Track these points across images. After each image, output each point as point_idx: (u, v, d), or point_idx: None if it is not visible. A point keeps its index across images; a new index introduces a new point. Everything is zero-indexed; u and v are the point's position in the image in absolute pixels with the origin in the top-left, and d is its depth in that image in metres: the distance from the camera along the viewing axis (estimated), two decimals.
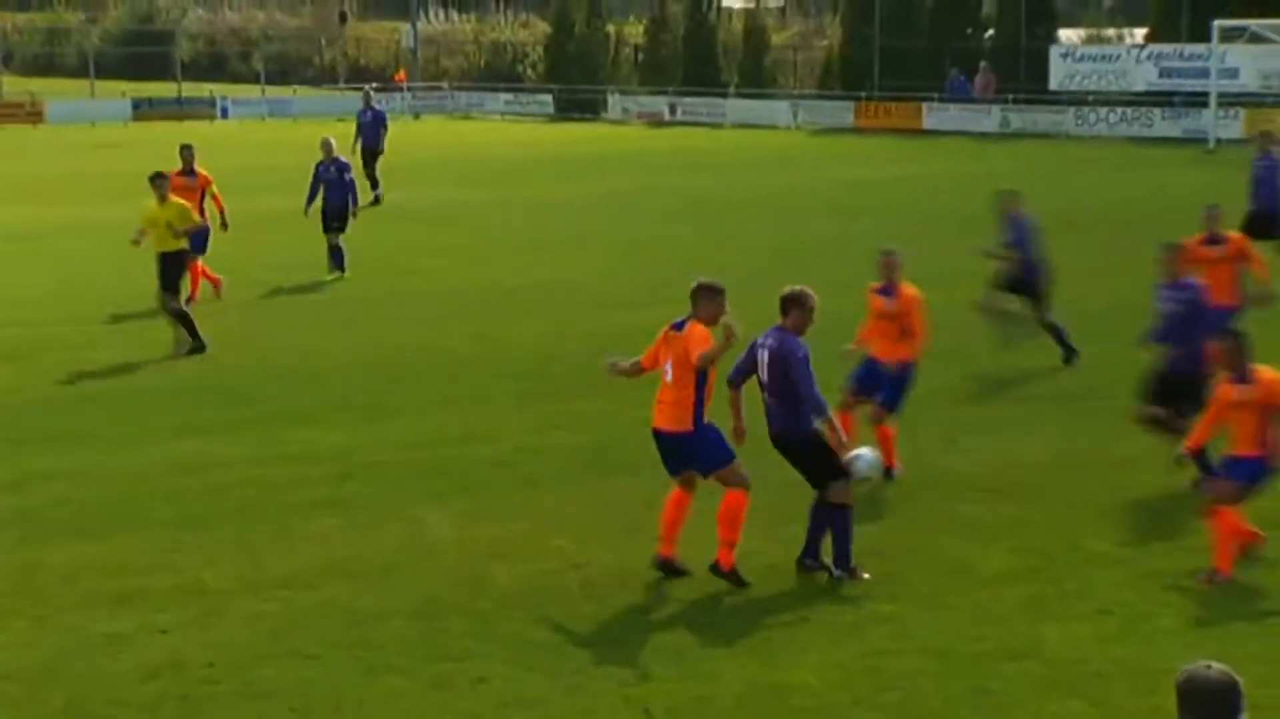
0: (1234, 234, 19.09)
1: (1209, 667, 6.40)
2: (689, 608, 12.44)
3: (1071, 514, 14.54)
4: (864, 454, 13.14)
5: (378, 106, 41.34)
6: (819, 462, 12.97)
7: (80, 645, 11.82)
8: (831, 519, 13.05)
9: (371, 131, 39.78)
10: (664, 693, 10.90)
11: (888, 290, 16.00)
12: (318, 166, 28.86)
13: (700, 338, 12.72)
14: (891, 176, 46.01)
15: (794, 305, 13.01)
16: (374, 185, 38.95)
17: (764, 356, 12.97)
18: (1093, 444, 16.95)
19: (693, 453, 12.91)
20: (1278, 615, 12.20)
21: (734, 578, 12.86)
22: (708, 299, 12.90)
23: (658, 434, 13.03)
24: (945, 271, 26.58)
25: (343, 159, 29.41)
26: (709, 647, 11.71)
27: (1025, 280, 20.96)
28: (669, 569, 13.08)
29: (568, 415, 18.46)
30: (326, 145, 29.13)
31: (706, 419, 12.86)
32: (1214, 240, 18.39)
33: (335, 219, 28.52)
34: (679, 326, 12.93)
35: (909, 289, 15.92)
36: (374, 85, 56.66)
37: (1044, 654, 11.54)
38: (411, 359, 21.80)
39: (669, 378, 12.85)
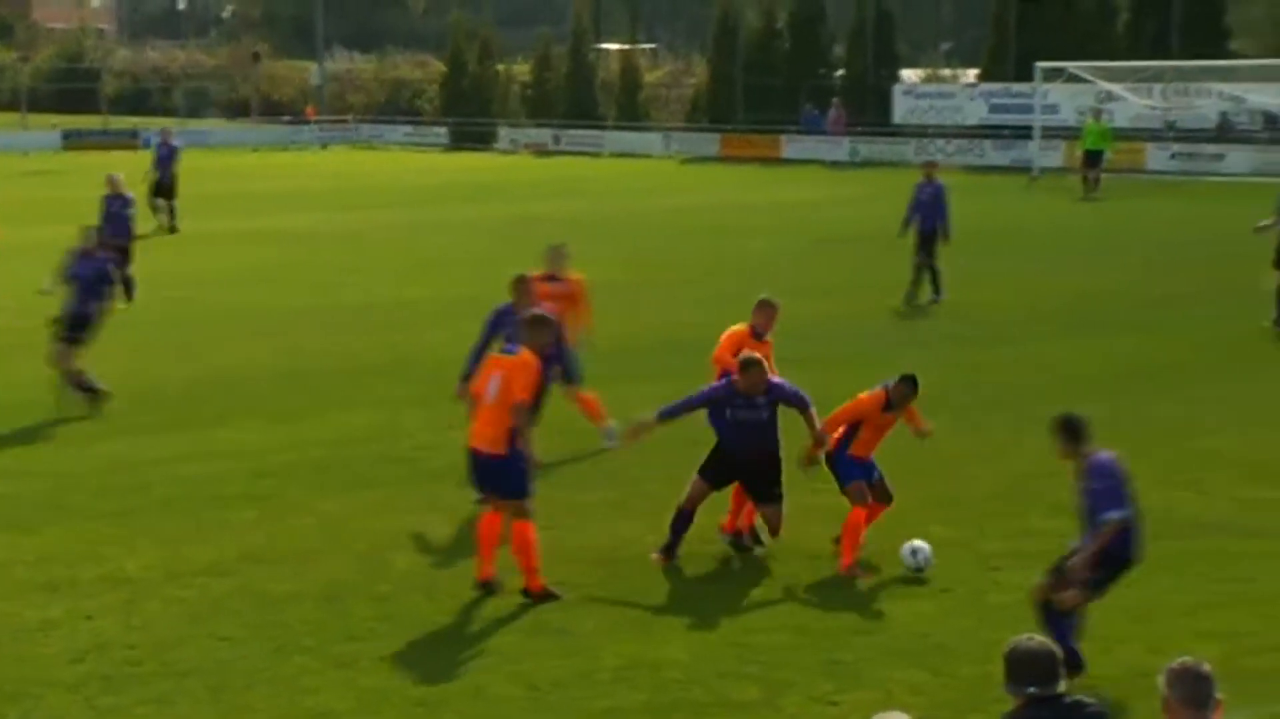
0: (575, 275, 17.64)
1: (1030, 638, 6.58)
2: (571, 591, 12.35)
3: (914, 505, 14.61)
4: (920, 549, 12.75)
5: (174, 142, 39.25)
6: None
7: (12, 630, 11.58)
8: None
9: (166, 166, 37.98)
10: (548, 668, 10.84)
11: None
12: (105, 200, 27.51)
13: (525, 366, 12.13)
14: (755, 201, 46.17)
15: None
16: (171, 215, 37.49)
17: None
18: (929, 443, 17.04)
19: (501, 477, 12.14)
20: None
21: (547, 596, 12.05)
22: (538, 330, 12.52)
23: (473, 453, 12.27)
24: (812, 284, 26.72)
25: (128, 194, 27.98)
26: (590, 627, 11.64)
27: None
28: (489, 589, 12.17)
29: (464, 416, 18.30)
30: (111, 181, 27.88)
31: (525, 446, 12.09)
32: (554, 279, 17.33)
33: (119, 251, 25.89)
34: (510, 351, 12.49)
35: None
36: (285, 118, 55.80)
37: (891, 629, 11.59)
38: (324, 366, 21.58)
39: (491, 398, 12.12)
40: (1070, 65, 53.23)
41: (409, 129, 77.99)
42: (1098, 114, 48.33)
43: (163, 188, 37.75)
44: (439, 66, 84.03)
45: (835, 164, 59.28)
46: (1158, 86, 53.10)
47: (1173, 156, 52.14)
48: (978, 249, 31.16)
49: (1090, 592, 10.32)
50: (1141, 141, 54.08)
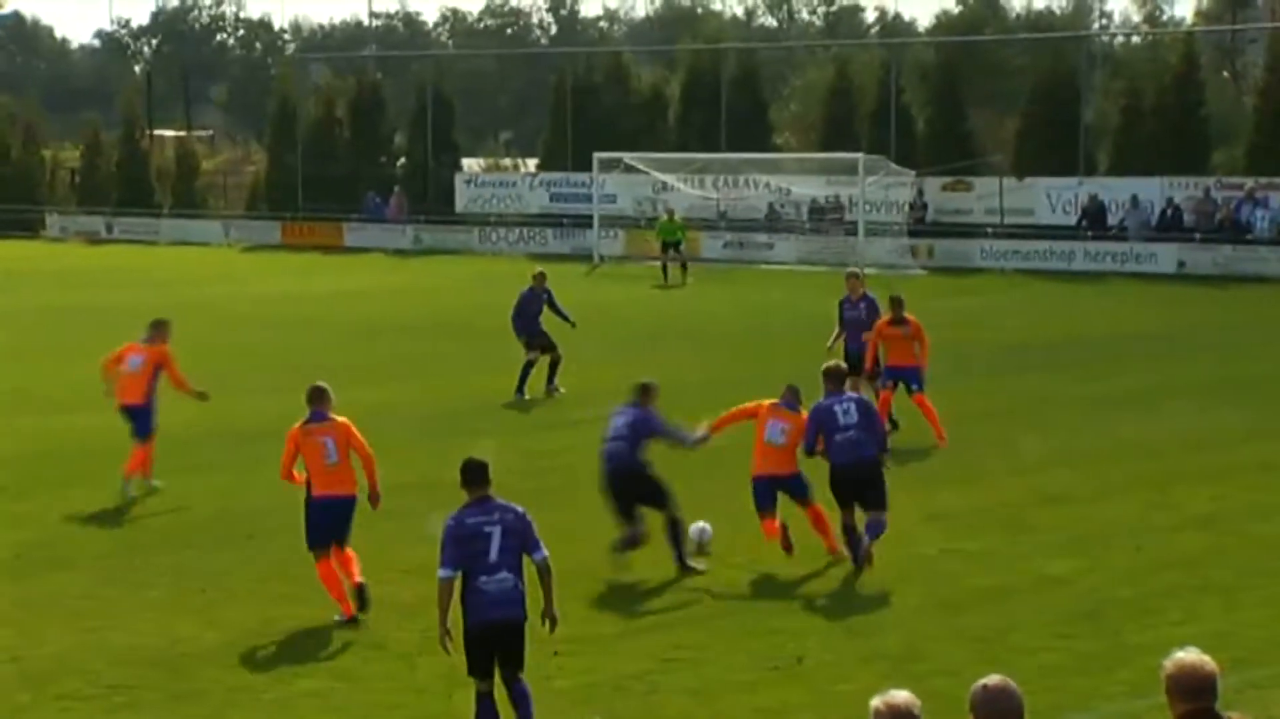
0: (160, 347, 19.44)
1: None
2: (121, 691, 11.91)
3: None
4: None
5: None
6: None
7: None
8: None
9: None
10: None
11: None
12: None
13: (350, 429, 14.34)
14: (318, 290, 45.77)
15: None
16: None
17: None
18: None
19: (349, 518, 14.18)
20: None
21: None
22: (323, 398, 14.39)
23: (331, 499, 14.03)
24: (365, 373, 26.58)
25: None
26: None
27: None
28: (352, 620, 13.67)
29: (5, 515, 17.53)
30: None
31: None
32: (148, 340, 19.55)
33: None
34: (320, 418, 14.25)
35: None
36: None
37: (455, 717, 11.55)
38: None
39: (334, 459, 14.10)
40: (626, 156, 54.73)
41: None
42: (670, 212, 49.88)
43: None
44: None
45: (399, 251, 59.34)
46: (709, 177, 55.07)
47: (725, 245, 54.08)
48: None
49: None
50: (696, 230, 55.93)
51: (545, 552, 10.94)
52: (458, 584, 10.72)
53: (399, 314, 38.73)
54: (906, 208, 52.31)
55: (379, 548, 16.13)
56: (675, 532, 15.57)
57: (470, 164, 70.38)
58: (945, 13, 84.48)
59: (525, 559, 10.94)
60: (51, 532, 16.77)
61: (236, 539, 16.49)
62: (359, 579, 14.02)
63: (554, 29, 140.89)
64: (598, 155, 54.62)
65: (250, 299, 42.94)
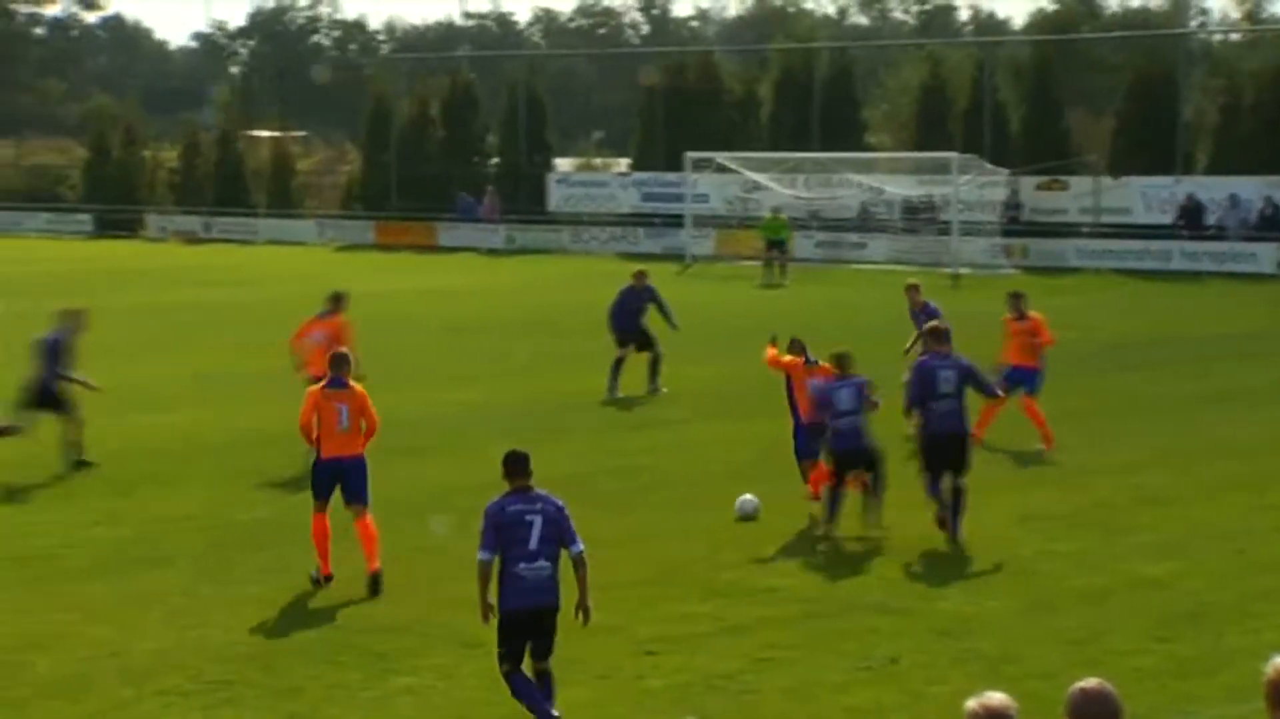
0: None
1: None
2: (221, 687, 12.05)
3: (571, 590, 14.67)
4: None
5: None
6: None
7: None
8: None
9: None
10: None
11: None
12: None
13: (365, 399, 15.13)
14: (410, 288, 46.06)
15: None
16: None
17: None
18: (583, 527, 17.19)
19: (359, 475, 14.97)
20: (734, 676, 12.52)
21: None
22: (345, 364, 15.21)
23: (335, 460, 14.88)
24: (455, 372, 26.73)
25: None
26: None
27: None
28: (328, 580, 14.69)
29: (105, 513, 17.78)
30: None
31: None
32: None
33: None
34: (339, 384, 15.02)
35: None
36: None
37: None
38: None
39: (345, 425, 14.92)
40: (718, 155, 54.68)
41: (50, 216, 75.58)
42: (776, 210, 49.84)
43: None
44: (81, 152, 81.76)
45: (491, 251, 59.61)
46: (801, 177, 54.92)
47: (817, 244, 53.92)
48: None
49: None
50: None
51: (582, 545, 11.29)
52: (495, 568, 11.13)
53: (491, 313, 38.92)
54: (1000, 207, 51.93)
55: (473, 546, 16.23)
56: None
57: (562, 164, 70.51)
58: (1040, 10, 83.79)
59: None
60: (151, 529, 16.97)
61: (336, 537, 16.60)
62: (375, 566, 14.69)
63: (646, 28, 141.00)
64: (690, 155, 54.59)
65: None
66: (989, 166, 50.27)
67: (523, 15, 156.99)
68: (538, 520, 11.12)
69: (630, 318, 26.49)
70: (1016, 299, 22.20)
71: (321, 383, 15.37)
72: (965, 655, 12.77)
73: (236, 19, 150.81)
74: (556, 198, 63.24)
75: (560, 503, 11.31)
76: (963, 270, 46.76)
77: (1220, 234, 48.62)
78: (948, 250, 48.38)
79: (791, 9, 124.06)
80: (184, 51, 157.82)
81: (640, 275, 27.31)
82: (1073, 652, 12.72)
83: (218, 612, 13.91)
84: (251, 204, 71.50)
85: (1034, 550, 16.07)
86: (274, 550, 16.05)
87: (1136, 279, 46.11)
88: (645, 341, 26.42)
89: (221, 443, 21.67)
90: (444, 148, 66.83)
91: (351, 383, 15.25)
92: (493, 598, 11.21)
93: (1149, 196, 50.93)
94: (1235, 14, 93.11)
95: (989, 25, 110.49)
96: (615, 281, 27.64)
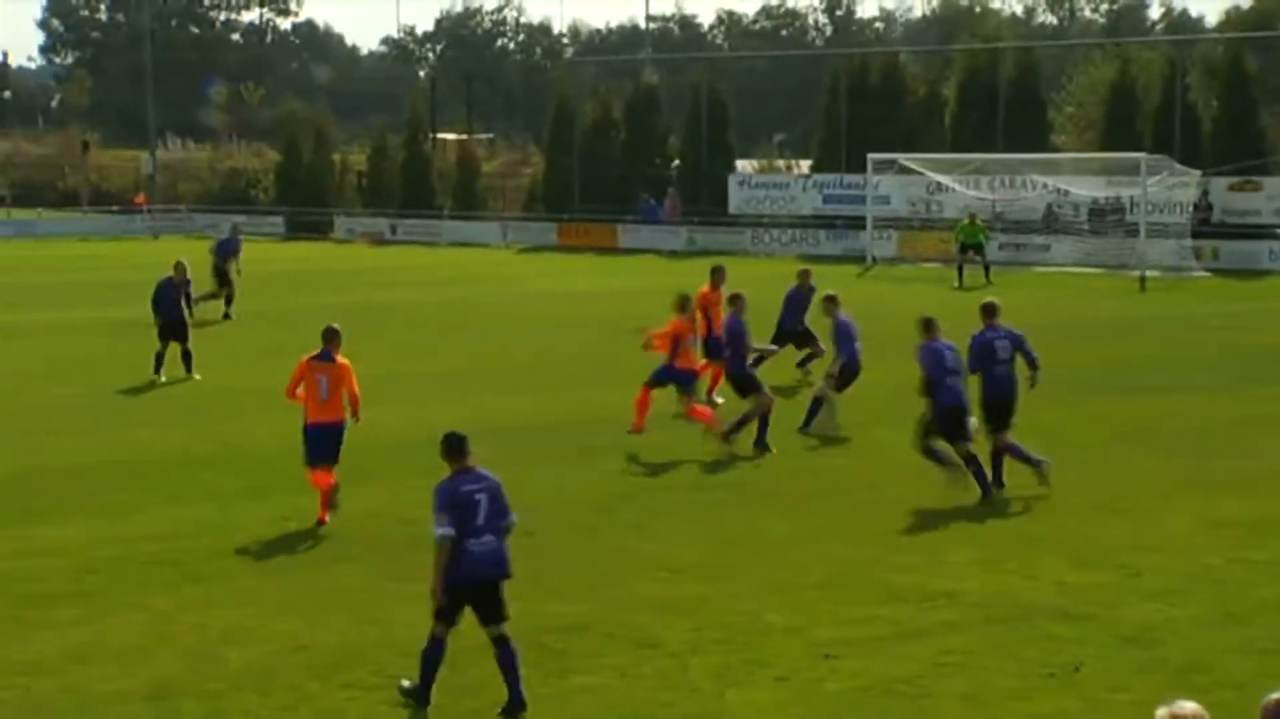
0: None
1: None
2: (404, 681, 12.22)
3: (749, 591, 14.69)
4: None
5: None
6: None
7: None
8: None
9: None
10: None
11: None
12: None
13: (348, 371, 17.43)
14: (591, 289, 46.36)
15: None
16: None
17: None
18: (761, 528, 17.18)
19: (336, 440, 17.28)
20: (908, 682, 12.41)
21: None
22: (332, 339, 17.65)
23: (324, 426, 17.25)
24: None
25: None
26: None
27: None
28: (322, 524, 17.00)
29: (295, 509, 18.12)
30: None
31: None
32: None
33: None
34: (325, 358, 17.44)
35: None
36: (115, 208, 55.06)
37: (727, 717, 11.60)
38: (151, 458, 21.22)
39: (324, 395, 17.29)
40: (900, 157, 54.28)
41: (243, 218, 77.28)
42: (972, 215, 49.26)
43: None
44: (274, 155, 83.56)
45: (672, 253, 59.78)
46: (985, 178, 54.33)
47: (1001, 247, 53.27)
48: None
49: None
50: None
51: (514, 517, 12.02)
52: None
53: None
54: (1190, 208, 50.87)
55: (652, 547, 16.30)
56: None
57: (744, 165, 70.49)
58: (1235, 7, 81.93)
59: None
60: (336, 524, 17.26)
61: (516, 535, 16.73)
62: (323, 516, 17.23)
63: (829, 30, 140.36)
64: (871, 156, 54.26)
65: (524, 298, 43.66)
66: (1179, 167, 49.27)
67: (706, 17, 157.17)
68: (484, 498, 11.78)
69: (796, 317, 27.05)
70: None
71: (311, 355, 17.61)
72: (1150, 664, 12.53)
73: (425, 24, 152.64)
74: (738, 199, 63.22)
75: (498, 479, 11.98)
76: (1150, 273, 45.89)
77: None
78: (1134, 253, 47.50)
79: (978, 9, 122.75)
80: (375, 56, 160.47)
81: (804, 274, 27.58)
82: (1265, 662, 12.42)
83: (400, 607, 14.11)
84: (437, 206, 72.49)
85: (1224, 559, 15.72)
86: None
87: None
88: (803, 339, 27.11)
89: (401, 441, 21.96)
90: (626, 150, 67.17)
91: (338, 358, 17.47)
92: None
93: None
94: None
95: (1181, 23, 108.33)
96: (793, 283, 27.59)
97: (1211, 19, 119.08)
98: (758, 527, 17.19)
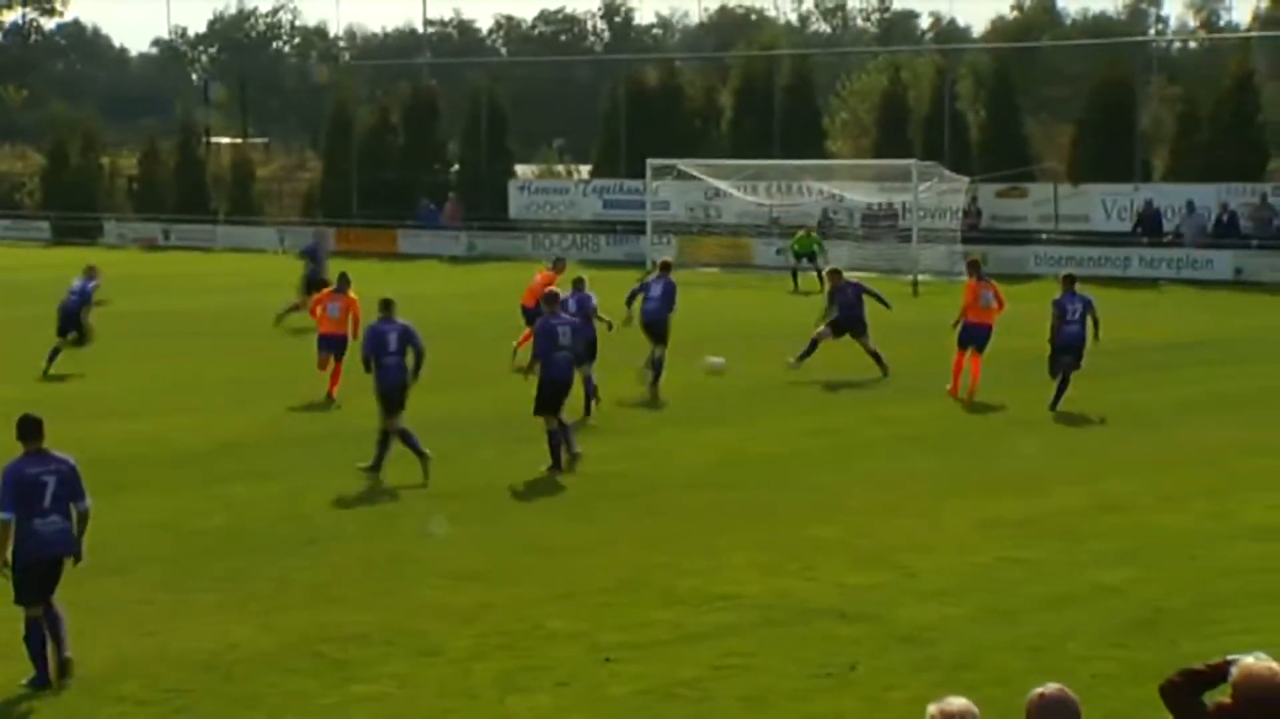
0: None
1: None
2: (178, 695, 11.98)
3: (532, 596, 14.68)
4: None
5: None
6: None
7: None
8: None
9: None
10: None
11: None
12: None
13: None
14: (373, 295, 45.79)
15: None
16: None
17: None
18: (544, 534, 17.19)
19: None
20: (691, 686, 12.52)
21: None
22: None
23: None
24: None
25: None
26: None
27: None
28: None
29: None
30: None
31: None
32: None
33: None
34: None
35: None
36: None
37: None
38: None
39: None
40: (679, 162, 54.69)
41: (7, 223, 75.20)
42: (808, 229, 49.95)
43: None
44: (39, 159, 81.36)
45: (453, 258, 59.51)
46: (762, 184, 55.01)
47: (778, 252, 53.96)
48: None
49: None
50: (749, 237, 55.92)
51: (89, 502, 12.51)
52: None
53: (456, 319, 38.82)
54: (960, 214, 52.08)
55: (435, 553, 16.21)
56: None
57: (524, 171, 70.48)
58: (1001, 18, 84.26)
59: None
60: (110, 536, 16.84)
61: (296, 544, 16.58)
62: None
63: (608, 35, 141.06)
64: (651, 162, 54.60)
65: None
66: (949, 174, 50.40)
67: (484, 22, 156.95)
68: (52, 480, 12.26)
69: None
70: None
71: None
72: (924, 662, 12.79)
73: (197, 25, 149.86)
74: (518, 205, 63.20)
75: (73, 462, 12.46)
76: (923, 277, 46.89)
77: (1177, 241, 48.89)
78: (907, 257, 48.50)
79: (754, 17, 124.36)
80: (144, 58, 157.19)
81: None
82: (1031, 658, 12.76)
83: (176, 620, 13.85)
84: (212, 211, 71.28)
85: (993, 557, 16.12)
86: (232, 559, 15.99)
87: (1095, 285, 46.11)
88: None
89: (181, 450, 21.57)
90: (405, 155, 66.76)
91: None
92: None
93: (1108, 204, 51.18)
94: (1192, 22, 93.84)
95: (950, 33, 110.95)
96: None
97: (979, 29, 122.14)
98: (541, 532, 17.19)
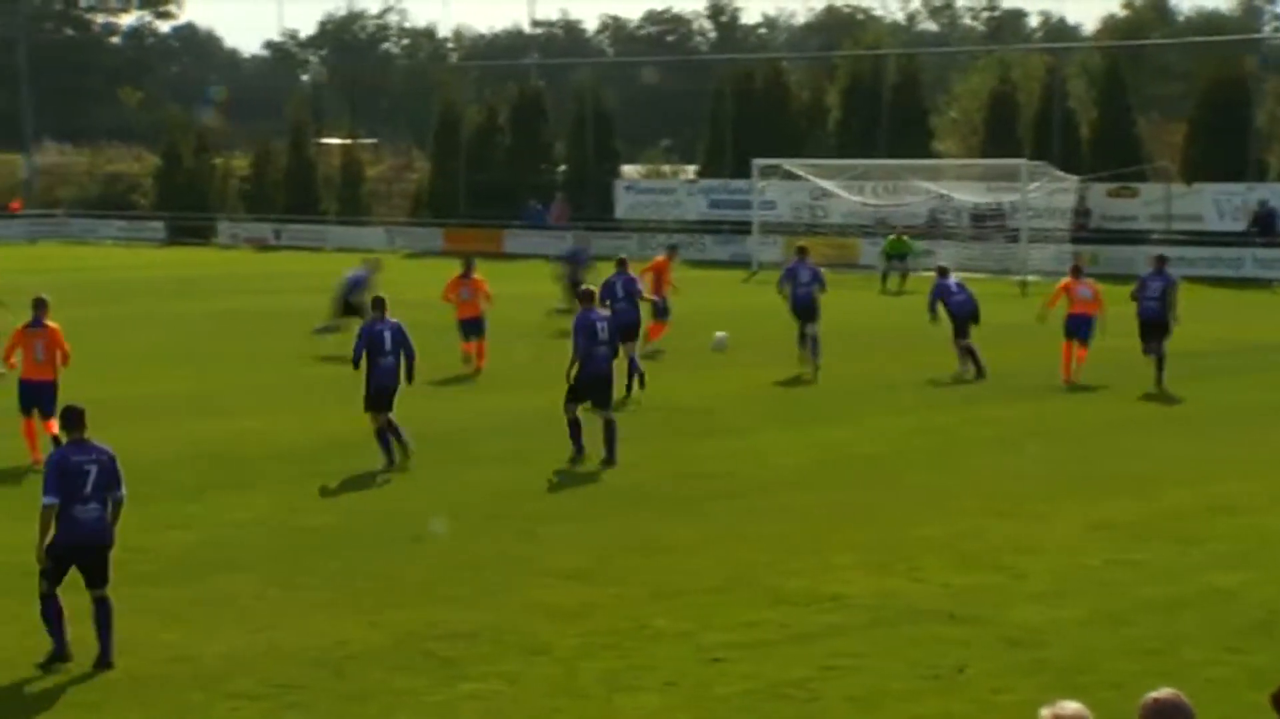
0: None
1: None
2: (290, 691, 12.11)
3: (638, 596, 14.68)
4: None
5: None
6: None
7: None
8: None
9: None
10: None
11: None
12: None
13: (59, 332, 20.56)
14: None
15: None
16: None
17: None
18: (650, 533, 17.18)
19: (51, 396, 19.63)
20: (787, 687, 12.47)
21: None
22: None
23: (34, 383, 20.17)
24: (536, 377, 26.73)
25: None
26: None
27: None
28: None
29: (179, 516, 17.90)
30: None
31: None
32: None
33: None
34: (38, 324, 20.43)
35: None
36: None
37: None
38: (23, 467, 20.83)
39: (42, 356, 20.32)
40: (785, 162, 54.58)
41: (123, 224, 76.32)
42: (899, 230, 50.04)
43: None
44: (154, 160, 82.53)
45: (560, 258, 59.55)
46: (869, 184, 54.75)
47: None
48: (698, 345, 31.50)
49: None
50: (855, 237, 55.67)
51: (124, 491, 12.93)
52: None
53: (564, 320, 38.90)
54: (1069, 214, 51.55)
55: (541, 552, 16.26)
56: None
57: (630, 170, 70.59)
58: (1111, 16, 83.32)
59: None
60: (222, 533, 17.07)
61: (402, 542, 16.69)
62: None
63: (714, 35, 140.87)
64: (757, 162, 54.52)
65: (412, 305, 43.31)
66: (1058, 173, 49.96)
67: (591, 23, 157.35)
68: (94, 469, 12.72)
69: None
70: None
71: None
72: (1035, 665, 12.66)
73: (307, 28, 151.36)
74: (624, 205, 63.31)
75: (112, 452, 12.93)
76: (1031, 278, 46.46)
77: None
78: (1015, 258, 48.05)
79: (860, 16, 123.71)
80: (256, 60, 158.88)
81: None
82: (1144, 662, 12.59)
83: (287, 616, 13.98)
84: (321, 211, 71.97)
85: (1103, 559, 15.93)
86: (342, 556, 16.11)
87: (1208, 286, 45.66)
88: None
89: (289, 448, 21.78)
90: (512, 155, 67.08)
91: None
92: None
93: (1221, 203, 50.50)
94: None
95: (1059, 31, 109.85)
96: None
97: (1089, 27, 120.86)
98: (646, 532, 17.19)
